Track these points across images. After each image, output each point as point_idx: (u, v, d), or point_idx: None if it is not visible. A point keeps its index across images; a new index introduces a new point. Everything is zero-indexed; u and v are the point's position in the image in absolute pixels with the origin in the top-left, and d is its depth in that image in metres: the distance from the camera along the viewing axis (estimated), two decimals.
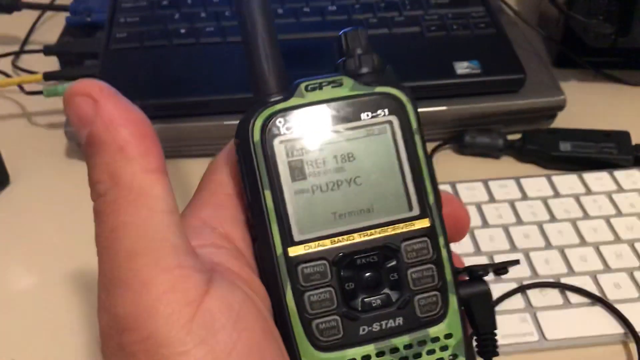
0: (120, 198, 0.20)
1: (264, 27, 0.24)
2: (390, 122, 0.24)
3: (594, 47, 0.55)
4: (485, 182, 0.48)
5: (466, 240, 0.43)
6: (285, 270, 0.23)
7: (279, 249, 0.23)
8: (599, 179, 0.48)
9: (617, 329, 0.38)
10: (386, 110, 0.24)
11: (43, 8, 0.65)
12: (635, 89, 0.58)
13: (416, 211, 0.24)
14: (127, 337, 0.19)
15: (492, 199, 0.46)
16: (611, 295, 0.40)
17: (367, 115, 0.24)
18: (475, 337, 0.26)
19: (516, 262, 0.27)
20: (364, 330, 0.24)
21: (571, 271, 0.41)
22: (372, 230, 0.24)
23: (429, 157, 0.25)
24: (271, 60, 0.24)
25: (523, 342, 0.37)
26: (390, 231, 0.24)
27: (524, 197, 0.47)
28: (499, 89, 0.51)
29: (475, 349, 0.26)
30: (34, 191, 0.49)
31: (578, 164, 0.50)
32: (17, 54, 0.63)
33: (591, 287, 0.40)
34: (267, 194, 0.23)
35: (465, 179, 0.48)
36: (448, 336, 0.24)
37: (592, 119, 0.53)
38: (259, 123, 0.23)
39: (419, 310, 0.24)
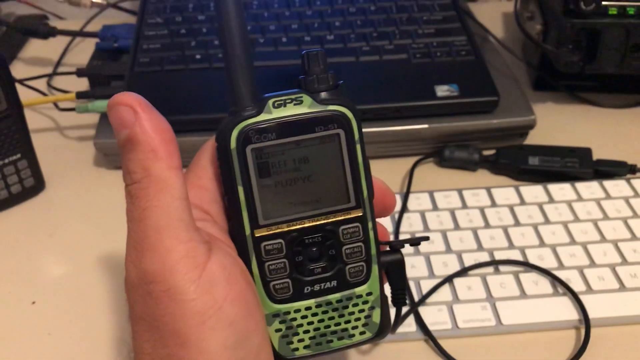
0: (150, 186, 0.27)
1: (241, 52, 0.30)
2: (338, 134, 0.31)
3: (566, 73, 0.62)
4: (459, 191, 0.54)
5: (438, 240, 0.49)
6: (251, 246, 0.31)
7: (247, 230, 0.31)
8: (561, 189, 0.54)
9: (568, 316, 0.44)
10: (335, 125, 0.31)
11: (75, 34, 0.73)
12: (603, 110, 0.64)
13: (353, 203, 0.32)
14: (154, 287, 0.27)
15: (464, 206, 0.53)
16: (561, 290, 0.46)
17: (320, 129, 0.31)
18: (390, 293, 0.35)
19: (426, 238, 0.36)
20: (307, 289, 0.32)
21: (527, 266, 0.47)
22: (319, 217, 0.32)
23: (366, 161, 0.32)
24: (246, 80, 0.30)
25: (481, 326, 0.43)
26: (332, 218, 0.32)
27: (493, 204, 0.53)
28: (475, 110, 0.58)
29: (390, 301, 0.35)
30: (66, 195, 0.57)
31: (545, 176, 0.56)
32: (51, 75, 0.71)
33: (545, 281, 0.46)
34: (240, 189, 0.30)
35: (443, 189, 0.54)
36: (369, 294, 0.33)
37: (561, 137, 0.59)
38: (234, 133, 0.30)
39: (349, 275, 0.32)
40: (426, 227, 0.51)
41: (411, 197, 0.53)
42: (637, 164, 0.56)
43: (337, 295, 0.33)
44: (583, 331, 0.43)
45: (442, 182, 0.56)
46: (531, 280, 0.46)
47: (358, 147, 0.31)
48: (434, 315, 0.44)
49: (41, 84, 0.69)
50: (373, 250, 0.33)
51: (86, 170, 0.59)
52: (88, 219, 0.54)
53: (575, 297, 0.44)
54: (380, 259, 0.33)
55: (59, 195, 0.57)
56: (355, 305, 0.33)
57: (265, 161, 0.30)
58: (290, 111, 0.30)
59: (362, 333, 0.34)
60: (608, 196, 0.53)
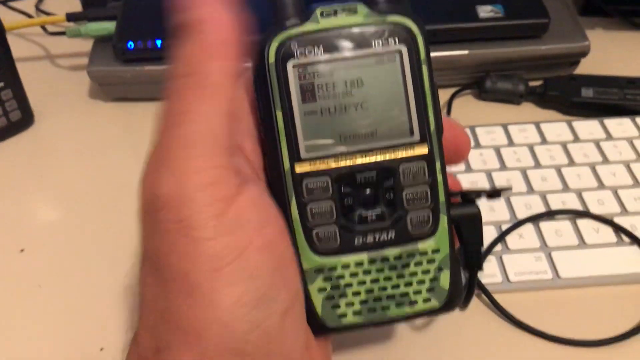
0: (197, 88, 0.22)
1: None
2: (399, 52, 0.25)
3: None
4: (504, 127, 0.47)
5: (483, 181, 0.43)
6: (291, 184, 0.25)
7: (286, 165, 0.25)
8: (620, 125, 0.47)
9: (637, 268, 0.38)
10: (397, 39, 0.25)
11: None
12: None
13: (417, 137, 0.26)
14: (164, 215, 0.21)
15: (511, 143, 0.46)
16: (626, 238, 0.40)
17: (378, 44, 0.25)
18: (462, 253, 0.29)
19: (509, 188, 0.28)
20: (358, 240, 0.26)
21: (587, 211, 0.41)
22: (374, 153, 0.26)
23: (434, 87, 0.26)
24: None
25: (536, 279, 0.38)
26: (390, 154, 0.26)
27: (543, 141, 0.46)
28: (522, 34, 0.51)
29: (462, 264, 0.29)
30: (57, 130, 0.50)
31: (600, 110, 0.49)
32: None
33: (607, 228, 0.40)
34: (279, 113, 0.25)
35: (484, 124, 0.48)
36: (435, 251, 0.27)
37: (617, 67, 0.52)
38: (274, 46, 0.25)
39: (411, 226, 0.26)
40: (467, 167, 0.44)
41: None
42: None
43: (396, 251, 0.26)
44: None
45: (483, 117, 0.50)
46: (591, 228, 0.40)
47: (424, 68, 0.26)
48: (484, 272, 0.38)
49: (29, 7, 0.62)
50: (442, 197, 0.26)
51: (80, 103, 0.52)
52: (82, 157, 0.48)
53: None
54: (450, 210, 0.27)
55: (49, 130, 0.50)
56: (419, 264, 0.27)
57: (310, 82, 0.25)
58: (342, 21, 0.25)
59: (426, 300, 0.27)
60: None
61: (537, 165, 0.44)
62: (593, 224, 0.40)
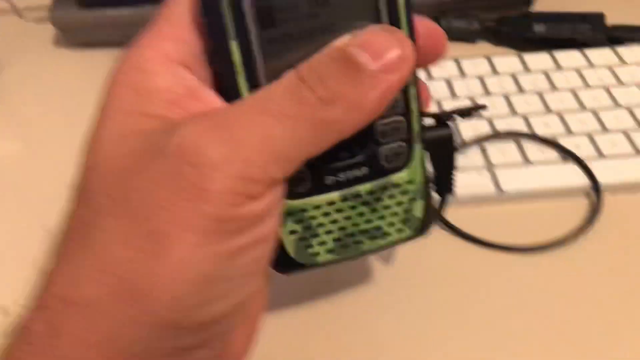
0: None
1: None
2: None
3: None
4: (457, 60, 0.49)
5: (433, 109, 0.44)
6: None
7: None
8: (570, 56, 0.48)
9: (576, 182, 0.39)
10: None
11: None
12: None
13: None
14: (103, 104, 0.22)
15: (462, 75, 0.47)
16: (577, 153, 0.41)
17: None
18: (434, 178, 0.28)
19: (483, 106, 0.28)
20: (330, 180, 0.25)
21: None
22: None
23: (409, 7, 0.23)
24: None
25: (477, 192, 0.39)
26: None
27: (494, 72, 0.47)
28: None
29: (434, 187, 0.28)
30: (22, 78, 0.51)
31: (552, 45, 0.50)
32: None
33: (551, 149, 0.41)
34: (233, 44, 0.22)
35: None
36: (409, 182, 0.26)
37: (570, 4, 0.53)
38: None
39: (384, 160, 0.25)
40: None
41: None
42: None
43: (369, 186, 0.25)
44: (594, 198, 0.38)
45: None
46: (536, 149, 0.41)
47: None
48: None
49: None
50: (416, 126, 0.25)
51: (44, 51, 0.54)
52: (47, 103, 0.49)
53: (581, 164, 0.40)
54: (424, 137, 0.25)
55: (14, 79, 0.51)
56: (392, 197, 0.26)
57: (267, 4, 0.22)
58: None
59: (399, 231, 0.26)
60: (623, 62, 0.48)
61: (487, 93, 0.46)
62: (538, 146, 0.41)
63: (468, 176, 0.39)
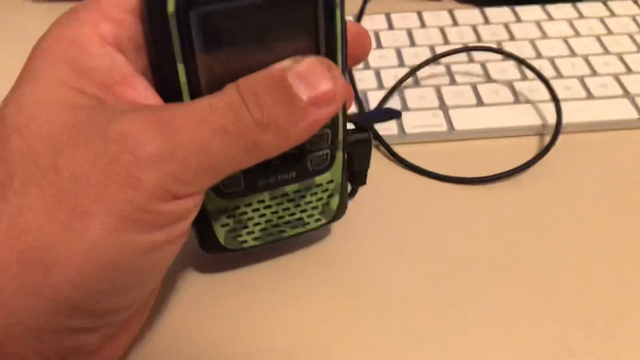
0: None
1: None
2: None
3: None
4: (419, 13, 0.49)
5: (391, 55, 0.45)
6: None
7: None
8: (530, 10, 0.49)
9: (528, 121, 0.40)
10: None
11: None
12: None
13: None
14: None
15: (423, 25, 0.48)
16: (531, 96, 0.41)
17: None
18: (350, 174, 0.31)
19: (398, 113, 0.31)
20: (261, 182, 0.27)
21: (489, 79, 0.43)
22: None
23: (344, 28, 0.25)
24: None
25: (431, 131, 0.39)
26: None
27: (455, 24, 0.48)
28: None
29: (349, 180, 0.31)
30: None
31: (515, 1, 0.51)
32: None
33: (506, 92, 0.42)
34: (180, 67, 0.23)
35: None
36: (330, 182, 0.29)
37: None
38: None
39: (311, 165, 0.28)
40: (379, 45, 0.46)
41: (365, 18, 0.48)
42: None
43: (296, 186, 0.28)
44: (546, 138, 0.39)
45: (401, 10, 0.51)
46: (491, 90, 0.42)
47: (337, 11, 0.24)
48: (380, 124, 0.39)
49: None
50: (340, 136, 0.28)
51: (14, 4, 0.54)
52: (8, 55, 0.49)
53: (544, 81, 0.40)
54: (345, 142, 0.28)
55: None
56: (314, 194, 0.29)
57: (215, 28, 0.22)
58: None
59: (317, 220, 0.30)
60: (581, 16, 0.49)
61: (446, 42, 0.46)
62: (493, 87, 0.42)
63: (421, 116, 0.40)
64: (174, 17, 0.21)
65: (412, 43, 0.46)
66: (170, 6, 0.21)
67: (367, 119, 0.31)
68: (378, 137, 0.39)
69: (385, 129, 0.39)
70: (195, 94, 0.23)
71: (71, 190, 0.20)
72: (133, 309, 0.24)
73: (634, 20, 0.48)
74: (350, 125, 0.30)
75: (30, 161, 0.20)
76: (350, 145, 0.30)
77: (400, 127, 0.39)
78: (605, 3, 0.50)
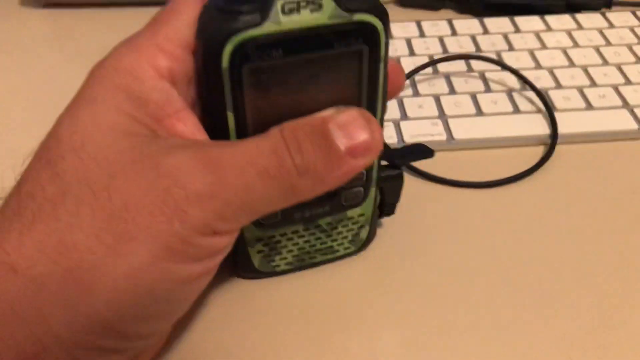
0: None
1: None
2: (360, 52, 0.24)
3: None
4: (418, 22, 0.49)
5: None
6: None
7: None
8: (529, 21, 0.49)
9: (528, 131, 0.39)
10: (360, 40, 0.24)
11: None
12: None
13: None
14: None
15: (422, 35, 0.48)
16: (530, 106, 0.41)
17: (341, 44, 0.23)
18: (380, 205, 0.32)
19: (430, 153, 0.31)
20: (297, 215, 0.28)
21: (488, 89, 0.43)
22: None
23: (386, 79, 0.26)
24: None
25: (430, 140, 0.39)
26: None
27: (454, 34, 0.48)
28: None
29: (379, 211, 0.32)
30: None
31: (513, 11, 0.51)
32: None
33: (505, 102, 0.42)
34: (230, 115, 0.24)
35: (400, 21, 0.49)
36: (361, 215, 0.30)
37: None
38: (228, 50, 0.22)
39: (344, 200, 0.29)
40: None
41: None
42: None
43: (329, 219, 0.29)
44: (543, 148, 0.39)
45: (400, 20, 0.51)
46: (490, 100, 0.42)
47: (381, 65, 0.25)
48: None
49: None
50: (374, 175, 0.29)
51: (11, 10, 0.54)
52: (13, 61, 0.49)
53: (537, 92, 0.40)
54: (379, 178, 0.29)
55: None
56: (345, 225, 0.30)
57: (265, 79, 0.23)
58: (305, 21, 0.23)
59: (346, 248, 0.31)
60: (580, 27, 0.49)
61: (445, 52, 0.46)
62: (492, 97, 0.42)
63: (420, 125, 0.40)
64: (227, 72, 0.23)
65: (412, 52, 0.46)
66: (225, 62, 0.22)
67: (401, 157, 0.31)
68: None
69: (385, 137, 0.39)
70: (241, 136, 0.24)
71: (121, 216, 0.20)
72: (160, 336, 0.25)
73: (633, 31, 0.48)
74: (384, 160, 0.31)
75: (84, 182, 0.21)
76: (383, 180, 0.30)
77: (400, 135, 0.39)
78: (603, 14, 0.50)
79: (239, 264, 0.30)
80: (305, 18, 0.22)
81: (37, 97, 0.45)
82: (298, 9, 0.22)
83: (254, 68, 0.23)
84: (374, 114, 0.26)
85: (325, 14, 0.23)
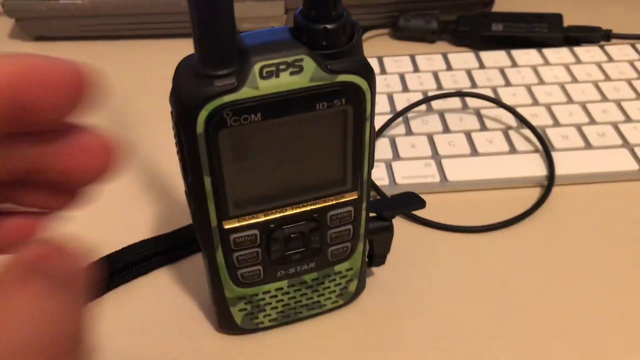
0: None
1: None
2: (345, 111, 0.23)
3: None
4: (412, 57, 0.48)
5: (383, 102, 0.44)
6: (218, 238, 0.25)
7: (213, 222, 0.24)
8: (526, 55, 0.48)
9: (524, 173, 0.38)
10: (343, 100, 0.22)
11: None
12: None
13: (348, 186, 0.25)
14: None
15: (416, 70, 0.47)
16: (527, 145, 0.40)
17: (323, 106, 0.22)
18: (369, 256, 0.31)
19: (422, 204, 0.30)
20: (281, 273, 0.27)
21: (484, 127, 0.42)
22: (304, 204, 0.25)
23: (373, 138, 0.25)
24: (223, 22, 0.20)
25: (423, 182, 0.38)
26: (320, 204, 0.25)
27: (449, 68, 0.47)
28: None
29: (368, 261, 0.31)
30: None
31: (510, 43, 0.50)
32: None
33: (501, 141, 0.40)
34: (207, 179, 0.23)
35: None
36: (349, 269, 0.29)
37: (529, 5, 0.53)
38: (203, 115, 0.21)
39: (330, 256, 0.28)
40: None
41: None
42: (611, 29, 0.50)
43: (314, 275, 0.28)
44: (539, 190, 0.38)
45: (394, 54, 0.50)
46: (485, 139, 0.40)
47: (367, 124, 0.23)
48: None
49: None
50: (362, 230, 0.27)
51: (1, 43, 0.53)
52: None
53: (535, 132, 0.39)
54: (367, 231, 0.28)
55: None
56: (333, 280, 0.29)
57: (242, 143, 0.22)
58: (284, 85, 0.21)
59: (334, 302, 0.30)
60: (578, 61, 0.48)
61: (439, 87, 0.45)
62: (487, 135, 0.41)
63: (413, 166, 0.39)
64: (203, 138, 0.21)
65: (405, 88, 0.45)
66: (200, 128, 0.21)
67: (391, 210, 0.29)
68: (374, 186, 0.37)
69: (376, 179, 0.38)
70: (219, 200, 0.23)
71: None
72: None
73: (632, 65, 0.47)
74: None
75: None
76: (372, 232, 0.29)
77: (391, 177, 0.38)
78: (602, 47, 0.49)
79: (220, 321, 0.29)
80: (285, 81, 0.21)
81: None
82: (277, 73, 0.21)
83: (230, 133, 0.22)
84: (361, 171, 0.25)
85: (306, 77, 0.21)
